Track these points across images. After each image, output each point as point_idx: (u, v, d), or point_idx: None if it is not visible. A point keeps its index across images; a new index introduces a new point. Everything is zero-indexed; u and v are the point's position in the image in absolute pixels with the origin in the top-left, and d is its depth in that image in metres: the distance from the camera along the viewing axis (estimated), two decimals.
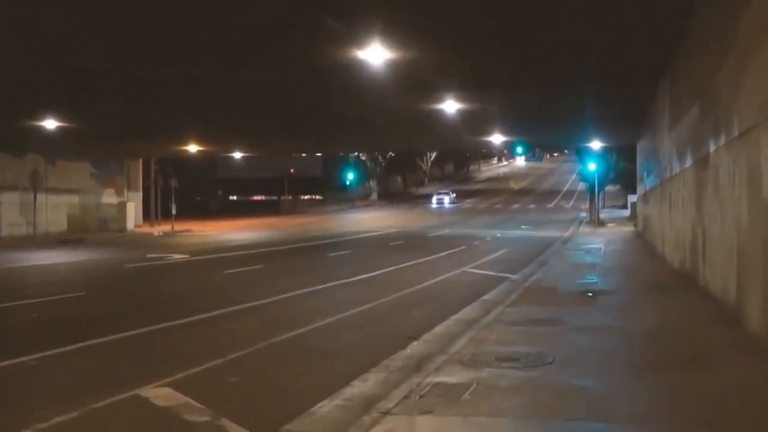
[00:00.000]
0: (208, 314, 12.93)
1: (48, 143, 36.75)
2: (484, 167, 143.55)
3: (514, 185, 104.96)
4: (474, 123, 29.71)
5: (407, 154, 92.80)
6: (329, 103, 24.32)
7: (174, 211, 47.62)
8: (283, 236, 38.49)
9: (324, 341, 10.64)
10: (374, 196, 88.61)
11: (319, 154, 75.98)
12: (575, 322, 10.42)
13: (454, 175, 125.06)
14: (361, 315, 13.00)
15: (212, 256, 26.92)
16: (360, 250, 30.21)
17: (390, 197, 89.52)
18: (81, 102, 23.87)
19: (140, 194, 52.10)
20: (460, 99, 23.79)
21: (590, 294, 13.69)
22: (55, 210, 42.21)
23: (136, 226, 48.01)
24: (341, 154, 73.90)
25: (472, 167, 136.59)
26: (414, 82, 20.06)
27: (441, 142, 45.48)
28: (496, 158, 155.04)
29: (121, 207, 46.69)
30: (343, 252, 27.92)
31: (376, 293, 15.75)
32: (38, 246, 32.59)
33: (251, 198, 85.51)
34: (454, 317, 12.15)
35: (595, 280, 16.12)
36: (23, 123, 28.66)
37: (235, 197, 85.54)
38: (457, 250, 28.64)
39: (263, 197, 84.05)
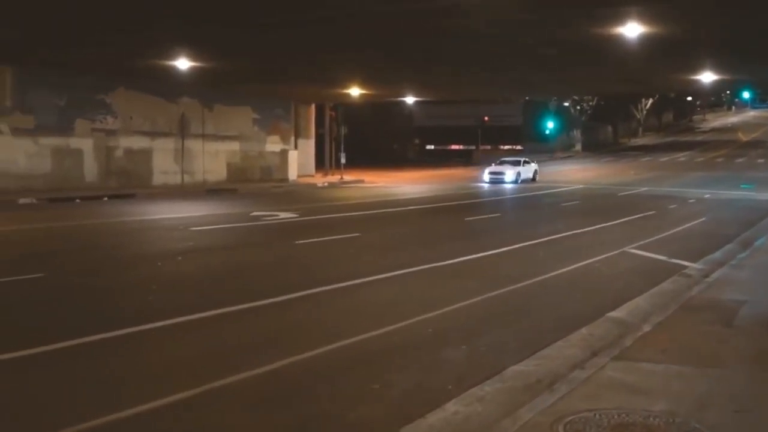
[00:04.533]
0: (113, 333, 8.06)
1: (204, 86, 34.18)
2: (710, 116, 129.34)
3: (743, 136, 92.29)
4: (672, 54, 23.04)
5: (618, 101, 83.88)
6: (490, 35, 19.80)
7: (343, 160, 44.79)
8: (446, 191, 33.56)
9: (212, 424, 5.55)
10: (578, 146, 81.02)
11: (525, 99, 69.69)
12: None
13: (675, 125, 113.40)
14: (356, 350, 7.66)
15: (323, 216, 22.11)
16: (516, 212, 24.78)
17: (596, 148, 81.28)
18: (236, 38, 21.31)
19: (312, 142, 49.11)
20: (645, 19, 18.00)
21: None
22: (213, 158, 39.67)
23: (307, 175, 45.30)
24: (508, 97, 66.87)
25: (696, 117, 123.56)
26: None
27: (626, 81, 36.98)
28: (726, 107, 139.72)
29: (284, 155, 43.63)
30: (490, 215, 22.48)
31: (460, 289, 10.50)
32: (180, 196, 29.61)
33: (448, 147, 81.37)
34: (510, 370, 6.57)
35: None
36: (174, 63, 26.28)
37: (432, 146, 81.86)
38: (640, 215, 22.38)
39: (461, 147, 79.55)
